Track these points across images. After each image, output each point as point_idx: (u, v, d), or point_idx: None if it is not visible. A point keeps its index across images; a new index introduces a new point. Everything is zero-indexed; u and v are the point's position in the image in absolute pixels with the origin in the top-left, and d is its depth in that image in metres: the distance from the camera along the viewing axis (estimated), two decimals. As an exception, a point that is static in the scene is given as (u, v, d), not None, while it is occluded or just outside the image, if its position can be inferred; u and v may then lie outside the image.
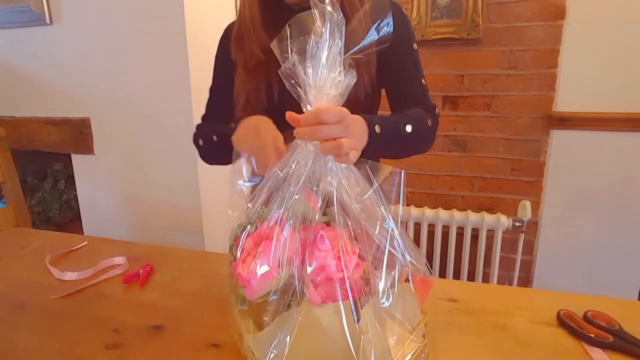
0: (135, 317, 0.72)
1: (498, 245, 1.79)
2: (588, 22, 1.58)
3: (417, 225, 1.88)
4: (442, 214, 1.82)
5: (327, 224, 0.53)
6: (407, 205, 1.91)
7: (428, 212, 1.84)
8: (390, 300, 0.51)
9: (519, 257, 1.82)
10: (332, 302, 0.48)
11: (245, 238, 0.53)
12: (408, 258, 0.54)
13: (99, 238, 1.11)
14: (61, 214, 1.85)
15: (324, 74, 0.52)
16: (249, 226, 0.54)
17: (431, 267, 1.88)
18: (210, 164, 0.89)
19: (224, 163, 0.84)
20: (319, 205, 0.52)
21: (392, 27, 0.57)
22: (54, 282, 0.85)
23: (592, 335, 0.61)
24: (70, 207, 1.86)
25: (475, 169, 1.85)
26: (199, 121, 1.00)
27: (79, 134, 1.63)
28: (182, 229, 1.58)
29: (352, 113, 0.60)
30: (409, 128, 0.73)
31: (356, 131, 0.58)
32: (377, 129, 0.65)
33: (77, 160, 1.70)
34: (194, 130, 1.02)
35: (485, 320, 0.68)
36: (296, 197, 0.52)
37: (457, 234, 1.83)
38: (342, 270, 0.48)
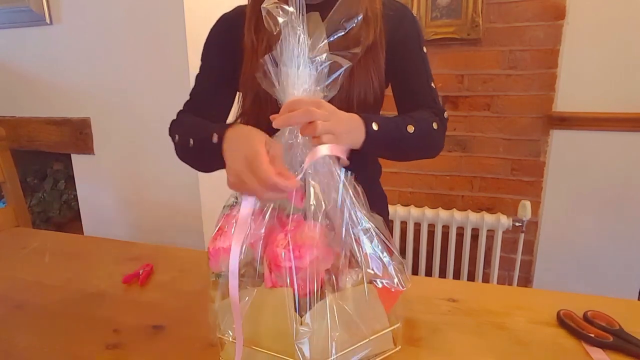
0: (135, 317, 0.72)
1: (498, 245, 1.79)
2: (588, 22, 1.58)
3: (417, 225, 1.88)
4: (442, 214, 1.82)
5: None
6: (407, 205, 1.91)
7: (428, 212, 1.84)
8: (349, 300, 0.53)
9: (519, 257, 1.82)
10: (280, 288, 0.52)
11: (224, 217, 0.58)
12: (374, 263, 0.55)
13: (99, 238, 1.11)
14: (61, 214, 1.85)
15: (293, 72, 0.54)
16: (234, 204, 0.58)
17: (431, 267, 1.90)
18: (184, 162, 0.80)
19: (197, 169, 0.80)
20: (302, 199, 0.55)
21: (354, 26, 0.58)
22: (54, 282, 0.85)
23: (592, 335, 0.61)
24: (70, 207, 1.86)
25: (475, 169, 1.85)
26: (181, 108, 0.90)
27: (79, 134, 1.63)
28: (182, 229, 1.58)
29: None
30: (410, 129, 0.71)
31: (340, 121, 0.59)
32: (375, 126, 0.64)
33: (77, 160, 1.70)
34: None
35: (485, 320, 0.68)
36: None
37: (457, 234, 1.83)
38: (291, 260, 0.51)
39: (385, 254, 0.56)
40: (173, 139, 0.79)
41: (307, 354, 0.51)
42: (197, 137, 0.70)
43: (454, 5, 1.69)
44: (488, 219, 1.77)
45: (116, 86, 1.54)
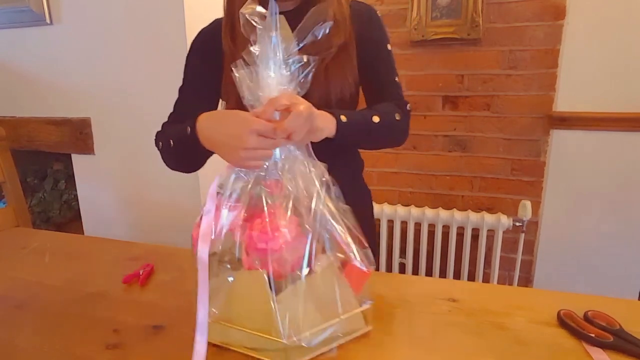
0: (135, 317, 0.72)
1: (498, 245, 1.79)
2: (588, 22, 1.58)
3: (418, 225, 1.88)
4: (443, 214, 1.82)
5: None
6: (407, 205, 1.91)
7: (428, 212, 1.84)
8: (320, 282, 0.59)
9: (519, 257, 1.82)
10: (256, 270, 0.57)
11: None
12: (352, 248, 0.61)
13: (99, 238, 1.11)
14: (61, 214, 1.85)
15: (268, 73, 0.59)
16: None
17: (431, 267, 1.90)
18: (172, 169, 0.84)
19: (184, 170, 0.84)
20: (279, 189, 0.60)
21: (326, 32, 0.63)
22: (54, 282, 0.85)
23: (593, 335, 0.61)
24: (70, 207, 1.86)
25: (475, 169, 1.85)
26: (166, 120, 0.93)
27: (79, 134, 1.63)
28: (182, 229, 1.58)
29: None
30: (376, 119, 0.79)
31: (316, 117, 0.64)
32: (343, 118, 0.73)
33: (77, 160, 1.70)
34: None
35: (485, 320, 0.68)
36: (243, 177, 0.62)
37: (458, 234, 1.83)
38: (265, 243, 0.56)
39: (351, 240, 0.61)
40: (158, 148, 0.84)
41: (281, 331, 0.55)
42: (175, 136, 0.77)
43: (454, 5, 1.69)
44: (488, 219, 1.77)
45: (116, 86, 1.54)
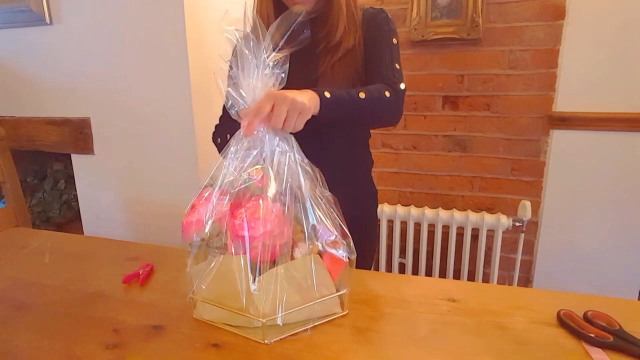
0: (135, 317, 0.72)
1: (498, 245, 1.79)
2: (588, 22, 1.58)
3: (417, 225, 1.88)
4: (442, 214, 1.82)
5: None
6: (407, 205, 1.91)
7: (428, 212, 1.84)
8: (300, 268, 0.64)
9: (519, 257, 1.82)
10: (238, 255, 0.62)
11: (198, 195, 0.69)
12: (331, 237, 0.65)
13: (99, 238, 1.11)
14: (61, 214, 1.85)
15: (251, 75, 0.66)
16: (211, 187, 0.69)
17: (431, 267, 1.90)
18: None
19: None
20: (269, 184, 0.65)
21: (305, 32, 0.69)
22: (54, 282, 0.85)
23: (592, 335, 0.61)
24: (70, 207, 1.86)
25: (475, 169, 1.85)
26: (207, 120, 1.07)
27: (79, 134, 1.63)
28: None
29: None
30: (362, 95, 0.82)
31: (297, 97, 0.68)
32: (327, 94, 0.76)
33: (77, 160, 1.70)
34: (212, 129, 1.08)
35: (484, 320, 0.68)
36: (232, 170, 0.67)
37: (457, 234, 1.83)
38: (246, 230, 0.61)
39: (333, 229, 0.65)
40: (215, 143, 1.00)
41: (258, 310, 0.62)
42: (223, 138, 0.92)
43: (454, 5, 1.69)
44: (488, 219, 1.77)
45: (116, 86, 1.54)
